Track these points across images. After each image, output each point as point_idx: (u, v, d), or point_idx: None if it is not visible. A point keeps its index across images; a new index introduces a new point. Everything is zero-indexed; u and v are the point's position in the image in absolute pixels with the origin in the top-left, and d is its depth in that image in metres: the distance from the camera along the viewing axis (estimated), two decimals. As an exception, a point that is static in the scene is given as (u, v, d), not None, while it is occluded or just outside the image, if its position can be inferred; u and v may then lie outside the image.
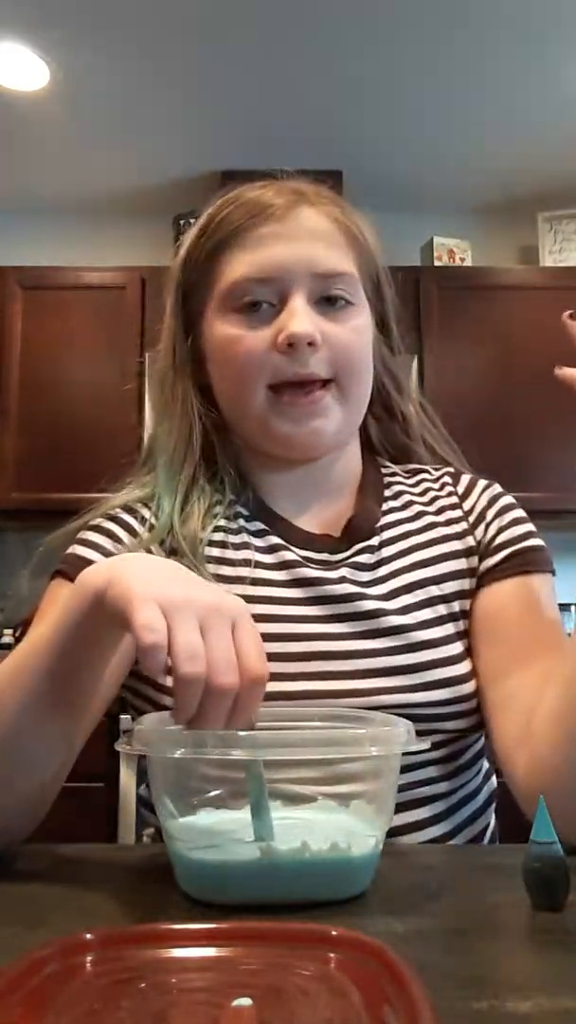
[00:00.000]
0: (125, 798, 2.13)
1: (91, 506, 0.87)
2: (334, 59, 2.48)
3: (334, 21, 2.32)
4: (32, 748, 0.65)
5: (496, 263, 3.17)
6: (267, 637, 0.73)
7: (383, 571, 0.84)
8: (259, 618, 0.74)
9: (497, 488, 0.93)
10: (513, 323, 2.89)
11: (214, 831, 0.58)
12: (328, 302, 0.81)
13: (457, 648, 0.82)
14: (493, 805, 0.89)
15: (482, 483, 0.93)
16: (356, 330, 0.82)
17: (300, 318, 0.78)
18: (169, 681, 0.55)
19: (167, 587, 0.56)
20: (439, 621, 0.82)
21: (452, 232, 3.15)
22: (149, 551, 0.80)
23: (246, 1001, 0.39)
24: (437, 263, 3.06)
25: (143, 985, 0.42)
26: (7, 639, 2.77)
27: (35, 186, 3.12)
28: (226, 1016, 0.38)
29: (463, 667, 0.81)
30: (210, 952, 0.45)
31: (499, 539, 0.87)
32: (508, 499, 0.91)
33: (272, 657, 0.70)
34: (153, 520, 0.84)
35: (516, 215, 3.22)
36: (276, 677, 0.70)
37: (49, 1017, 0.38)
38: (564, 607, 2.85)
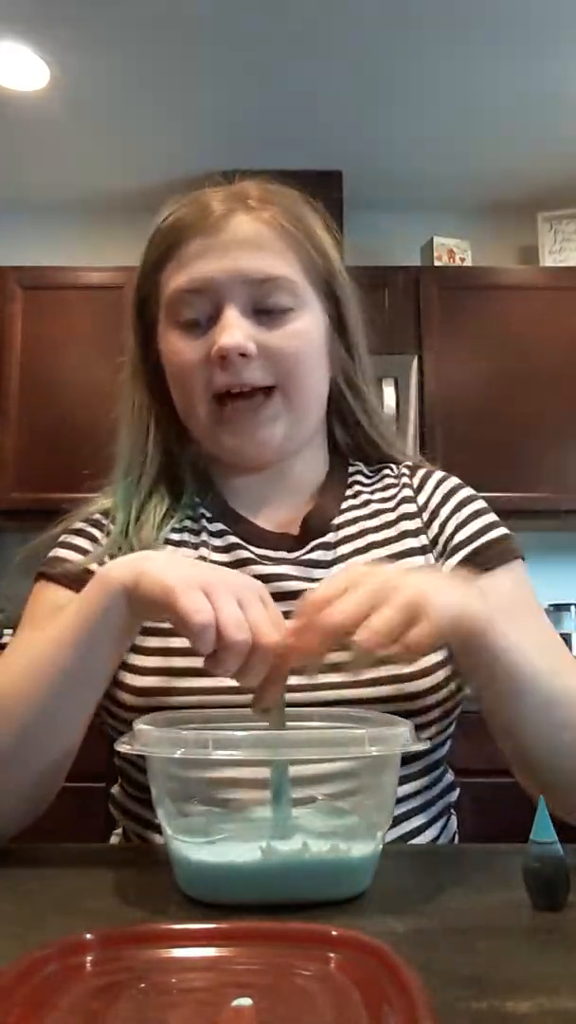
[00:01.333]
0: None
1: (62, 517, 0.91)
2: (334, 59, 2.48)
3: (334, 21, 2.32)
4: (48, 738, 0.69)
5: (496, 263, 3.17)
6: None
7: (339, 568, 0.83)
8: None
9: (453, 481, 0.92)
10: (513, 323, 2.89)
11: (214, 832, 0.58)
12: (266, 308, 0.81)
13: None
14: (449, 818, 0.86)
15: (436, 476, 0.92)
16: (296, 335, 0.81)
17: (230, 331, 0.78)
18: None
19: (198, 573, 0.62)
20: None
21: (452, 232, 3.15)
22: (107, 559, 0.82)
23: (246, 1001, 0.39)
24: (437, 263, 3.06)
25: (143, 985, 0.42)
26: (7, 639, 2.77)
27: (35, 186, 3.12)
28: (226, 1016, 0.38)
29: (412, 665, 0.78)
30: (210, 952, 0.45)
31: (457, 537, 0.86)
32: (464, 492, 0.90)
33: None
34: (111, 529, 0.87)
35: (516, 215, 3.22)
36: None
37: (49, 1017, 0.38)
38: (564, 607, 2.86)
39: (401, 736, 0.58)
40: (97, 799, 2.29)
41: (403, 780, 0.79)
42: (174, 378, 0.84)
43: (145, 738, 0.58)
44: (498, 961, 0.47)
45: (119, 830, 0.89)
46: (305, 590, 0.78)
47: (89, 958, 0.44)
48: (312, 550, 0.85)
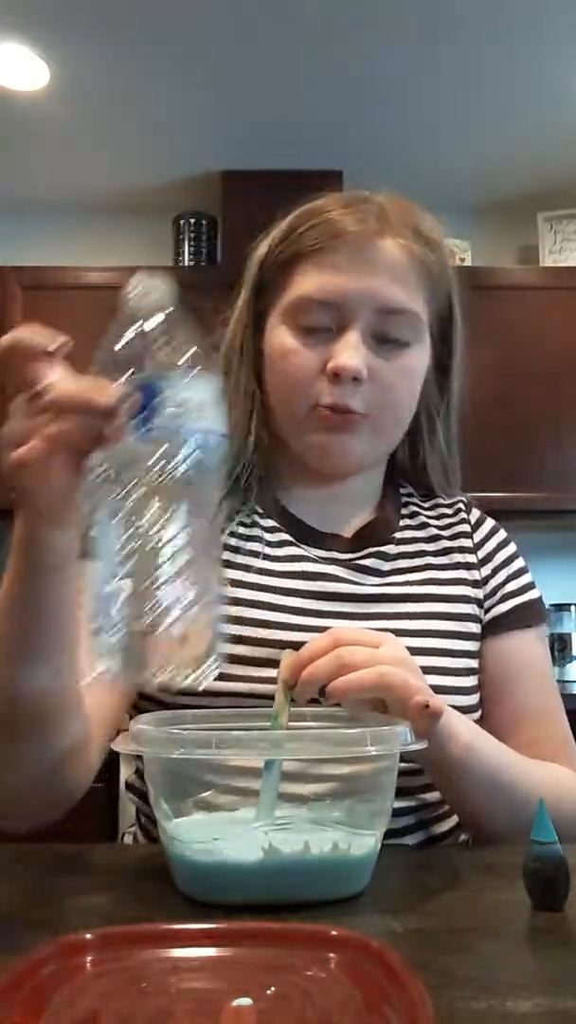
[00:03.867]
0: (125, 798, 2.12)
1: None
2: (334, 59, 2.47)
3: (334, 21, 2.32)
4: (34, 704, 0.65)
5: (496, 263, 3.17)
6: (260, 623, 0.79)
7: (394, 579, 0.86)
8: (255, 604, 0.80)
9: (504, 531, 0.95)
10: (513, 323, 2.89)
11: (213, 832, 0.58)
12: (386, 338, 0.81)
13: (449, 662, 0.83)
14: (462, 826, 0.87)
15: (491, 520, 0.96)
16: (404, 372, 0.82)
17: (351, 351, 0.79)
18: None
19: None
20: (439, 635, 0.83)
21: (452, 232, 3.14)
22: None
23: (246, 1001, 0.39)
24: (437, 263, 3.06)
25: (143, 985, 0.42)
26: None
27: (35, 186, 3.12)
28: (226, 1016, 0.38)
29: (453, 681, 0.82)
30: (210, 952, 0.45)
31: (508, 587, 0.90)
32: (513, 545, 0.94)
33: (266, 643, 0.77)
34: None
35: (516, 215, 3.22)
36: (251, 663, 0.76)
37: (49, 1017, 0.38)
38: (564, 607, 2.86)
39: (401, 736, 0.58)
40: (97, 799, 2.30)
41: (420, 790, 0.80)
42: (279, 375, 0.84)
43: (142, 738, 0.58)
44: (498, 961, 0.47)
45: (132, 828, 0.90)
46: (353, 593, 0.83)
47: (89, 958, 0.44)
48: (367, 556, 0.86)
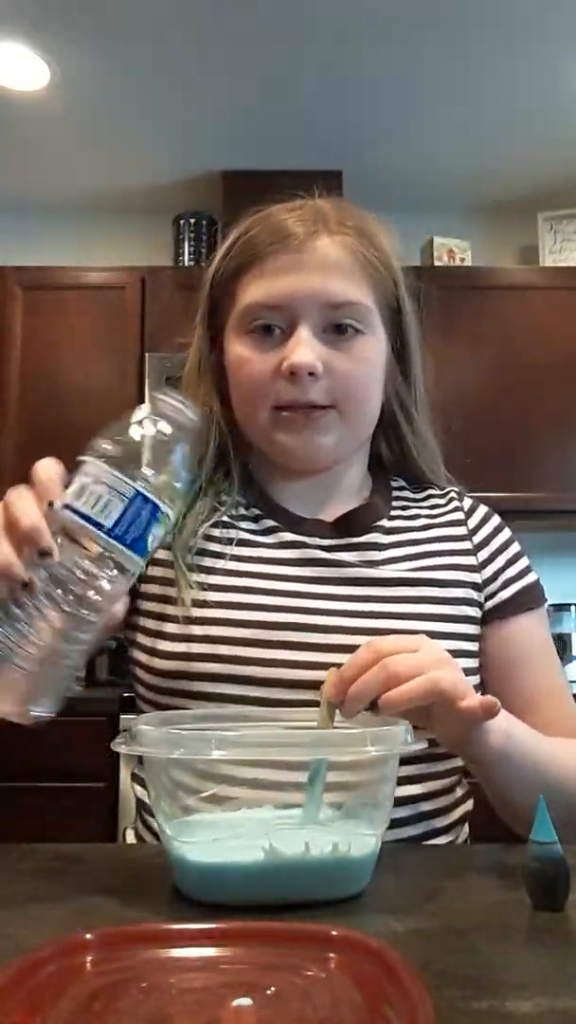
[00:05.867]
0: (125, 798, 2.13)
1: None
2: (334, 59, 2.48)
3: (334, 21, 2.32)
4: None
5: (496, 263, 3.17)
6: (253, 590, 0.82)
7: (388, 565, 0.87)
8: (245, 574, 0.84)
9: (498, 517, 0.97)
10: (513, 323, 2.89)
11: (213, 832, 0.58)
12: (337, 331, 0.83)
13: (446, 645, 0.83)
14: (463, 826, 0.88)
15: (484, 507, 0.98)
16: (361, 360, 0.85)
17: (302, 348, 0.81)
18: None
19: None
20: (433, 618, 0.84)
21: (452, 232, 3.15)
22: None
23: (246, 1001, 0.39)
24: (437, 263, 3.06)
25: (143, 985, 0.42)
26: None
27: (35, 186, 3.12)
28: (226, 1016, 0.38)
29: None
30: (210, 952, 0.45)
31: (508, 572, 0.92)
32: (508, 530, 0.96)
33: (256, 608, 0.81)
34: None
35: (516, 215, 3.22)
36: (253, 644, 0.79)
37: (49, 1017, 0.38)
38: (564, 607, 2.86)
39: (400, 735, 0.58)
40: (97, 799, 2.30)
41: (422, 778, 0.81)
42: (239, 384, 0.87)
43: (143, 739, 0.58)
44: (498, 961, 0.47)
45: (133, 824, 0.90)
46: (348, 576, 0.85)
47: (89, 958, 0.44)
48: (360, 546, 0.88)
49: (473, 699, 0.64)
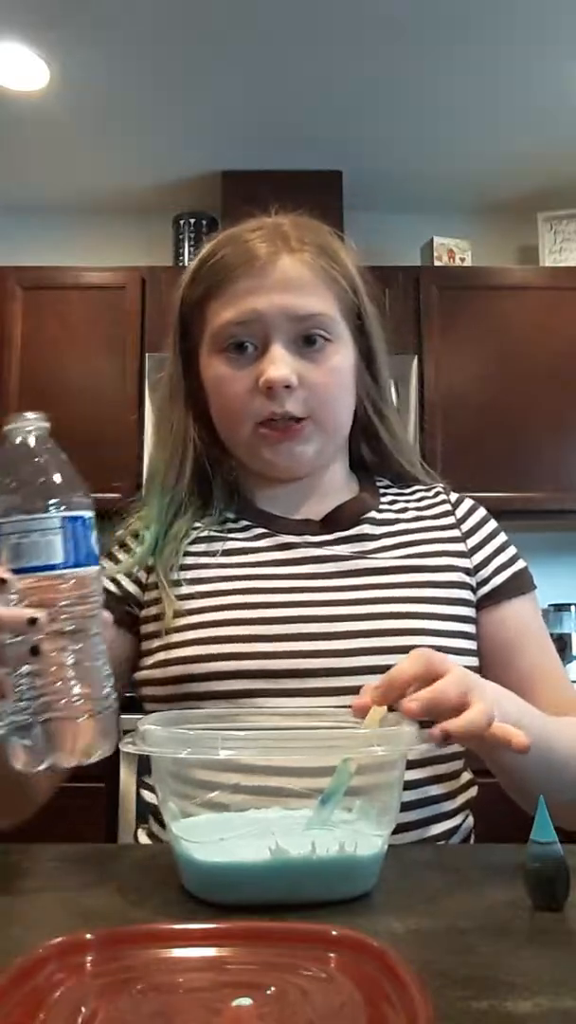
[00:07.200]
0: (125, 798, 2.12)
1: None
2: (334, 59, 2.47)
3: (334, 21, 2.32)
4: None
5: (496, 263, 3.17)
6: (253, 590, 0.85)
7: (377, 555, 0.90)
8: (243, 577, 0.87)
9: (483, 509, 1.00)
10: (513, 323, 2.88)
11: (220, 832, 0.58)
12: (307, 342, 0.88)
13: (439, 625, 0.86)
14: (468, 815, 0.89)
15: (471, 500, 1.01)
16: (332, 370, 0.89)
17: (277, 364, 0.85)
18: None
19: None
20: (426, 601, 0.87)
21: (452, 232, 3.15)
22: (129, 575, 0.92)
23: (246, 1001, 0.39)
24: (437, 263, 3.06)
25: (143, 985, 0.42)
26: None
27: (35, 186, 3.12)
28: (226, 1016, 0.38)
29: (443, 641, 0.84)
30: (210, 952, 0.45)
31: (499, 559, 0.94)
32: (494, 521, 0.99)
33: (256, 606, 0.84)
34: (135, 549, 0.93)
35: (516, 215, 3.22)
36: (258, 639, 0.82)
37: (49, 1017, 0.38)
38: (564, 607, 2.86)
39: (407, 736, 0.58)
40: (97, 799, 2.30)
41: (427, 762, 0.82)
42: (219, 403, 0.91)
43: (150, 738, 0.58)
44: (498, 961, 0.47)
45: (145, 825, 0.90)
46: (339, 570, 0.88)
47: (89, 958, 0.44)
48: (349, 539, 0.91)
49: (519, 736, 0.64)
